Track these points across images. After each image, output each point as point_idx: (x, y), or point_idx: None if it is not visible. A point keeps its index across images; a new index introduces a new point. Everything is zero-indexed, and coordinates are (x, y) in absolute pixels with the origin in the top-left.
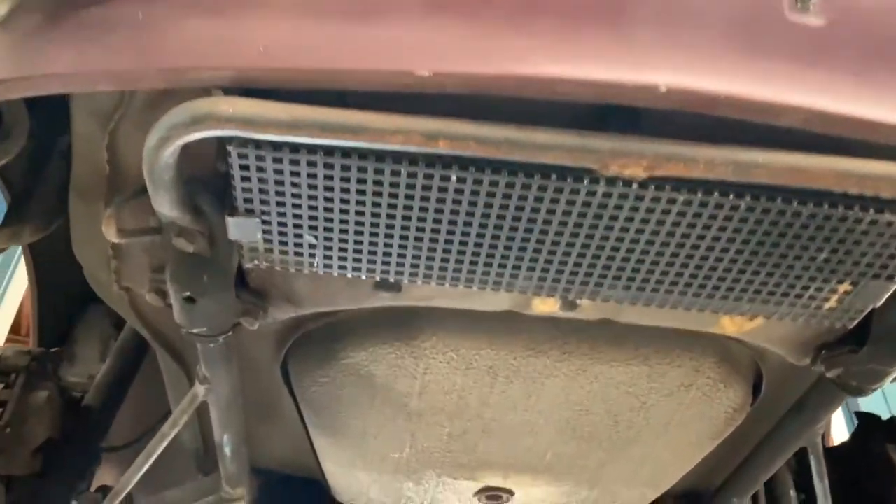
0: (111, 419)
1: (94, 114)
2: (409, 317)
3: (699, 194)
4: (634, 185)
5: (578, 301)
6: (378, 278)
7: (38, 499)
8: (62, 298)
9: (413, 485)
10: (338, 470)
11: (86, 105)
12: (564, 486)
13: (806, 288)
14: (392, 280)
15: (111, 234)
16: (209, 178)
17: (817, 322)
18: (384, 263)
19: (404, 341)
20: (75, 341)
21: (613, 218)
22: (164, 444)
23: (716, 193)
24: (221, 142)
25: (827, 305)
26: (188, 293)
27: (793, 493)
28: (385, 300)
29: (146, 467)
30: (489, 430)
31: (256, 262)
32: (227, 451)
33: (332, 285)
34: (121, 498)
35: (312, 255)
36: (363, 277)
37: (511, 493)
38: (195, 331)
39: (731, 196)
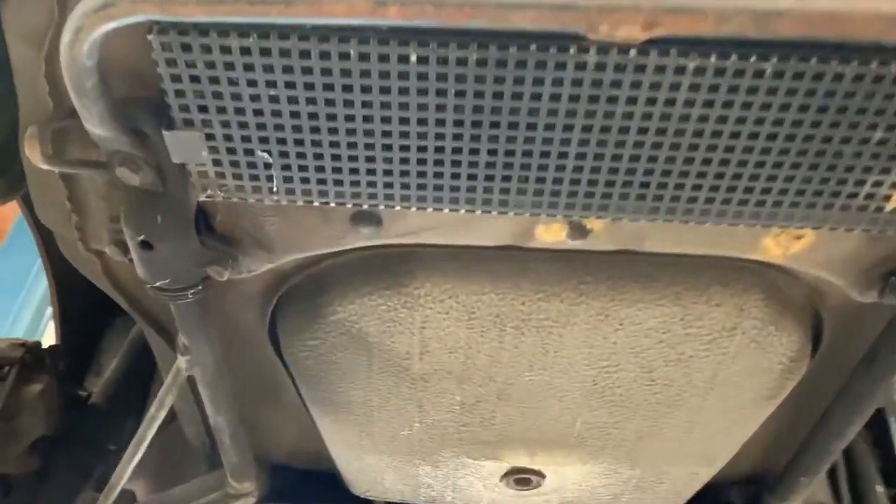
0: (121, 418)
1: (27, 37)
2: (398, 261)
3: (713, 58)
4: (632, 52)
5: (588, 225)
6: (349, 204)
7: (37, 500)
8: (85, 314)
9: (430, 469)
10: (346, 455)
11: (17, 28)
12: (601, 465)
13: (860, 182)
14: (366, 207)
15: (35, 158)
16: (148, 97)
17: (879, 232)
18: (353, 184)
19: (395, 289)
20: (103, 353)
21: (611, 100)
22: (153, 428)
23: (733, 56)
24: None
25: (889, 206)
26: (143, 236)
27: (872, 463)
28: (366, 237)
29: (138, 456)
30: (506, 396)
31: (210, 192)
32: (225, 437)
33: (304, 224)
34: (116, 493)
35: (270, 178)
36: (332, 204)
37: (541, 475)
38: (159, 284)
39: (754, 58)
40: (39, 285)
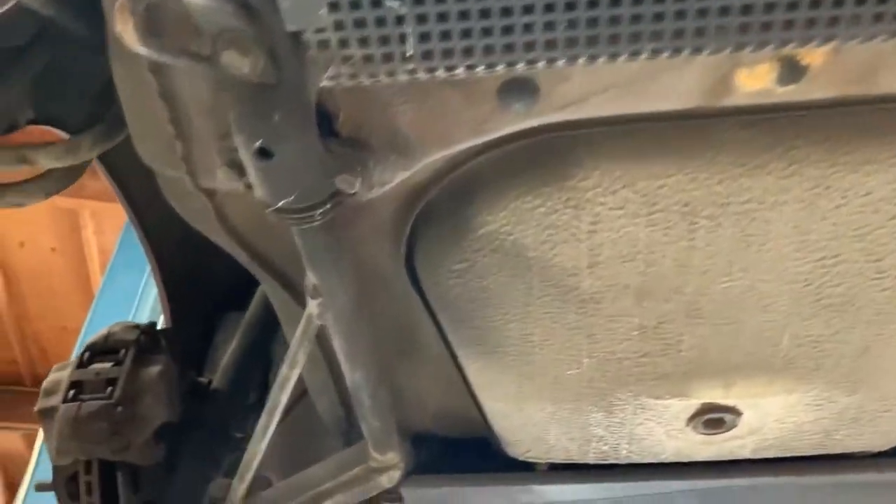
0: (244, 403)
1: None
2: (558, 148)
3: None
4: None
5: (804, 60)
6: (500, 66)
7: (169, 493)
8: (196, 313)
9: (602, 416)
10: (502, 409)
11: None
12: (811, 393)
13: None
14: (520, 69)
15: (129, 34)
16: None
17: None
18: (504, 31)
19: (556, 184)
20: (216, 349)
21: None
22: (287, 391)
23: None
24: None
25: None
26: (260, 142)
27: None
28: (519, 116)
29: (273, 426)
30: (696, 311)
31: (332, 71)
32: (365, 397)
33: (442, 108)
34: (251, 473)
35: (403, 38)
36: (479, 69)
37: (737, 412)
38: (283, 204)
39: None
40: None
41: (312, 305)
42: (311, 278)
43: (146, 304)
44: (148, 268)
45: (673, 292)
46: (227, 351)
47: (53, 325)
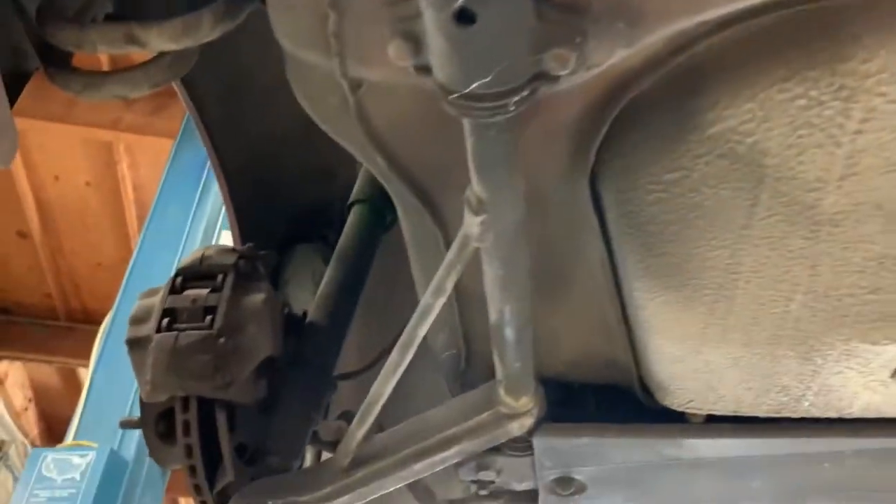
0: (342, 338)
1: None
2: (830, 20)
3: None
4: None
5: None
6: None
7: (268, 434)
8: (266, 243)
9: (797, 363)
10: (674, 353)
11: None
12: None
13: None
14: None
15: None
16: None
17: None
18: None
19: (827, 67)
20: (286, 283)
21: None
22: (426, 324)
23: None
24: None
25: None
26: (461, 1)
27: None
28: None
29: (405, 364)
30: None
31: None
32: (511, 334)
33: None
34: (373, 415)
35: None
36: None
37: None
38: (476, 87)
39: None
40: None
41: (473, 224)
42: (476, 190)
43: (193, 242)
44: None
45: None
46: (321, 282)
47: (88, 261)
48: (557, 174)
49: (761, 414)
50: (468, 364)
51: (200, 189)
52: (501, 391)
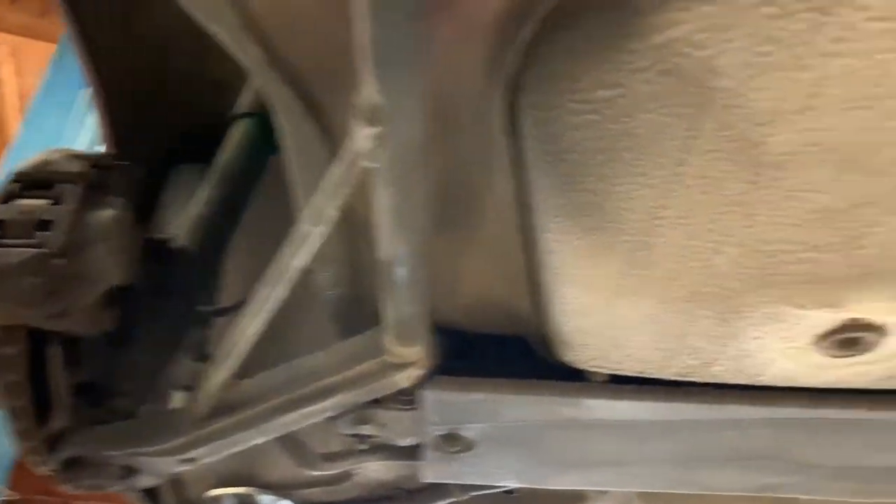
0: (214, 268)
1: None
2: None
3: None
4: None
5: None
6: None
7: (116, 374)
8: (143, 157)
9: (715, 324)
10: (584, 305)
11: None
12: None
13: None
14: None
15: None
16: None
17: None
18: None
19: None
20: (165, 207)
21: None
22: (303, 255)
23: None
24: None
25: None
26: None
27: None
28: None
29: (276, 299)
30: None
31: None
32: (402, 275)
33: None
34: (238, 357)
35: None
36: None
37: (882, 332)
38: None
39: None
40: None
41: (363, 137)
42: (371, 94)
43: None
44: (74, 110)
45: (893, 163)
46: (193, 204)
47: None
48: (470, 84)
49: (667, 377)
50: (357, 306)
51: (83, 99)
52: (389, 338)
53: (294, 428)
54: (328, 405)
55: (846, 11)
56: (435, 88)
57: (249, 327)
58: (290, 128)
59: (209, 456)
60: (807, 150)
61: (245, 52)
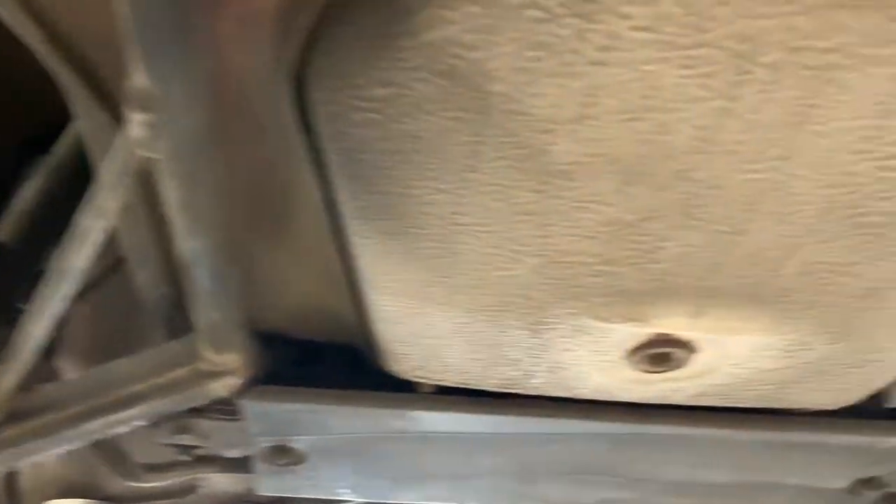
0: (34, 264)
1: None
2: None
3: None
4: None
5: None
6: None
7: None
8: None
9: (526, 335)
10: (395, 313)
11: None
12: (791, 335)
13: None
14: None
15: None
16: None
17: None
18: None
19: None
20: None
21: None
22: (84, 252)
23: None
24: None
25: None
26: None
27: None
28: None
29: (60, 296)
30: (696, 209)
31: None
32: (203, 276)
33: None
34: (25, 357)
35: None
36: None
37: (691, 349)
38: None
39: None
40: None
41: (137, 124)
42: (140, 79)
43: None
44: None
45: (676, 177)
46: (18, 199)
47: None
48: (259, 75)
49: (490, 388)
50: (178, 308)
51: None
52: (202, 344)
53: (100, 437)
54: (135, 413)
55: (610, 19)
56: (219, 76)
57: (34, 331)
58: (83, 115)
59: (2, 465)
60: (590, 160)
61: (26, 31)
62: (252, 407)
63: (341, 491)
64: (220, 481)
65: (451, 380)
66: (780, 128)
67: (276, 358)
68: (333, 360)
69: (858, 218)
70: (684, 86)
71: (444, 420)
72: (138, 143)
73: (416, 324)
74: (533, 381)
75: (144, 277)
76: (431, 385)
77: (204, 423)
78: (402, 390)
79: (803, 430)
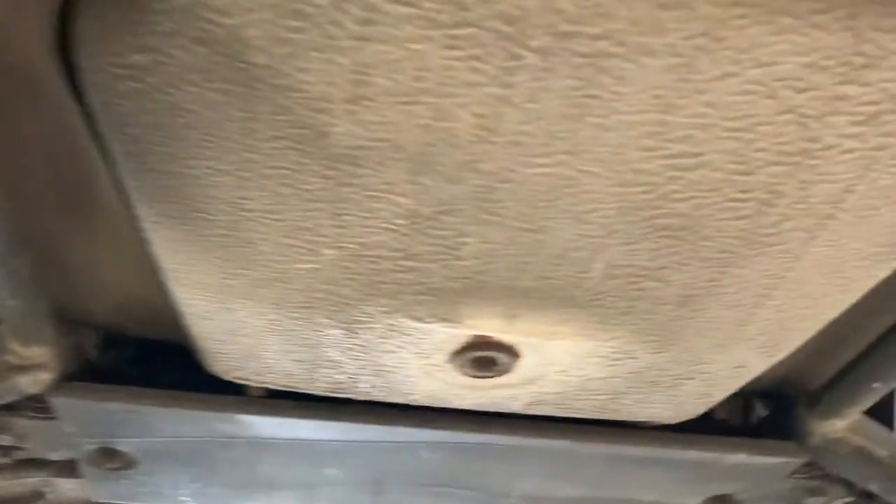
0: None
1: None
2: None
3: None
4: None
5: None
6: None
7: None
8: None
9: (342, 334)
10: (201, 308)
11: None
12: (612, 342)
13: None
14: None
15: None
16: None
17: None
18: None
19: None
20: None
21: None
22: None
23: None
24: None
25: None
26: None
27: None
28: None
29: None
30: (492, 204)
31: None
32: None
33: None
34: None
35: None
36: None
37: (514, 353)
38: None
39: None
40: None
41: None
42: None
43: None
44: None
45: (465, 168)
46: None
47: None
48: (28, 41)
49: (318, 392)
50: None
51: None
52: (8, 336)
53: None
54: None
55: None
56: None
57: None
58: None
59: None
60: (375, 145)
61: None
62: (65, 405)
63: (183, 499)
64: (69, 488)
65: (277, 382)
66: (562, 119)
67: (116, 357)
68: (175, 361)
69: (658, 220)
70: (454, 69)
71: (277, 426)
72: None
73: (224, 320)
74: (361, 385)
75: None
76: (261, 388)
77: (19, 422)
78: (233, 393)
79: (647, 444)
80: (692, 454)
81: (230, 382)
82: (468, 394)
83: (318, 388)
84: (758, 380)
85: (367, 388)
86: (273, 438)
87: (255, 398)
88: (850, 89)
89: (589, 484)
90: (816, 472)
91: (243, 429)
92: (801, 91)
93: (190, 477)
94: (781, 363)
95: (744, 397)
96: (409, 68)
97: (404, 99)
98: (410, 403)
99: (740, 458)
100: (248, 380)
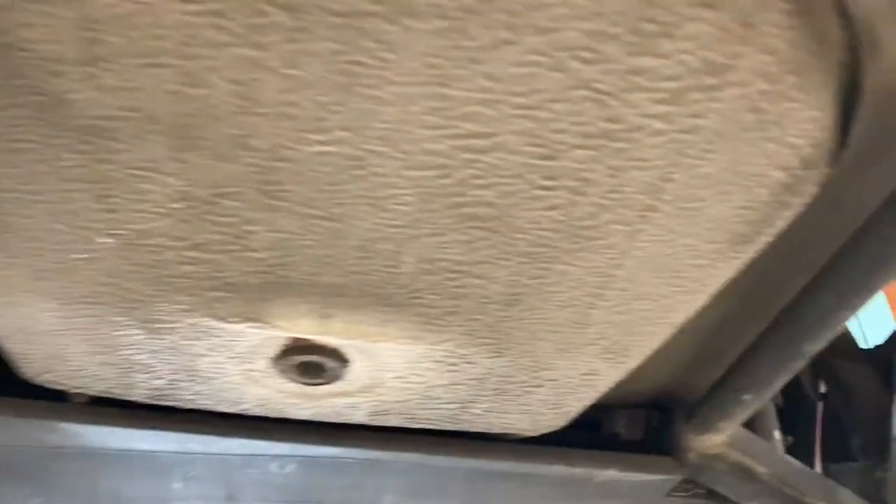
0: None
1: None
2: None
3: None
4: None
5: None
6: None
7: None
8: None
9: (144, 335)
10: None
11: None
12: (443, 345)
13: None
14: None
15: None
16: None
17: None
18: None
19: None
20: None
21: None
22: None
23: None
24: None
25: None
26: None
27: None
28: None
29: None
30: (274, 187)
31: None
32: None
33: None
34: None
35: None
36: None
37: (341, 358)
38: None
39: None
40: None
41: None
42: None
43: None
44: None
45: (233, 145)
46: None
47: None
48: None
49: (140, 399)
50: None
51: None
52: None
53: None
54: None
55: None
56: None
57: None
58: None
59: None
60: (126, 115)
61: None
62: None
63: None
64: None
65: (93, 388)
66: (331, 89)
67: None
68: None
69: (464, 209)
70: (194, 25)
71: (106, 435)
72: None
73: (12, 316)
74: (183, 392)
75: None
76: (83, 395)
77: None
78: (56, 400)
79: (506, 457)
80: (559, 469)
81: (61, 391)
82: (305, 403)
83: (137, 394)
84: (646, 392)
85: (190, 396)
86: (105, 449)
87: (74, 404)
88: (645, 61)
89: (456, 500)
90: (698, 489)
91: (69, 438)
92: (589, 63)
93: (34, 490)
94: (663, 374)
95: (645, 410)
96: (142, 24)
97: (145, 61)
98: (245, 413)
99: (612, 473)
100: (61, 385)
